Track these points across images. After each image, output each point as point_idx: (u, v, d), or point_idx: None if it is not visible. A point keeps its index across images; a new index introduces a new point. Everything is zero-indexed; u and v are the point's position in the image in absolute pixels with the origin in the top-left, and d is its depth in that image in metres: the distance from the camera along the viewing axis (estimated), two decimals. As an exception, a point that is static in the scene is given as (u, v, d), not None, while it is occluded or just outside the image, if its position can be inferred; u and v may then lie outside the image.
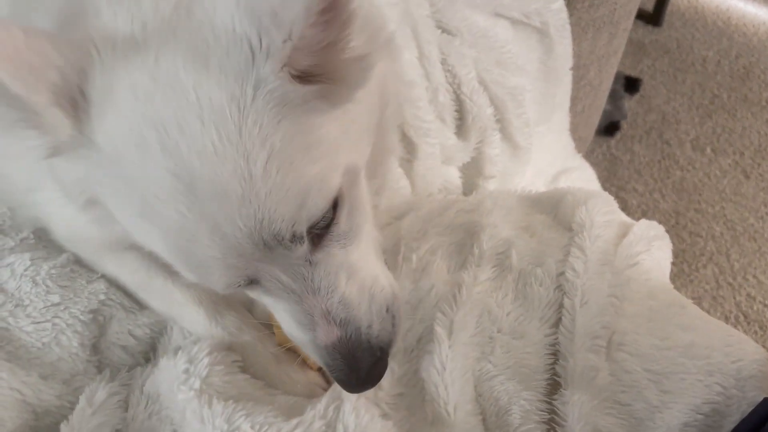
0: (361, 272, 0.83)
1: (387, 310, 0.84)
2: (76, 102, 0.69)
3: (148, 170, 0.68)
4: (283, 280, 0.77)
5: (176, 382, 0.88)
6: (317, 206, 0.72)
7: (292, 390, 0.97)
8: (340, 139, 0.75)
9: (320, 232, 0.77)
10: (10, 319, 0.94)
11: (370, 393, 0.91)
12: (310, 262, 0.77)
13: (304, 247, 0.74)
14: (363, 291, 0.82)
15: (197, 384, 0.87)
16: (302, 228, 0.72)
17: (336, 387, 0.89)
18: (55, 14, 0.76)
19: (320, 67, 0.70)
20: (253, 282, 0.77)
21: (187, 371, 0.89)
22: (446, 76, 1.30)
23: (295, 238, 0.72)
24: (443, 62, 1.30)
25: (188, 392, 0.86)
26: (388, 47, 0.91)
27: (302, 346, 0.85)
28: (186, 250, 0.72)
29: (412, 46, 1.25)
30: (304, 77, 0.70)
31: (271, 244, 0.71)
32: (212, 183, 0.66)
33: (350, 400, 0.86)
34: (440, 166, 1.33)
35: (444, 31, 1.33)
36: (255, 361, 0.98)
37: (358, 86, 0.75)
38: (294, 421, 0.85)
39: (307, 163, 0.70)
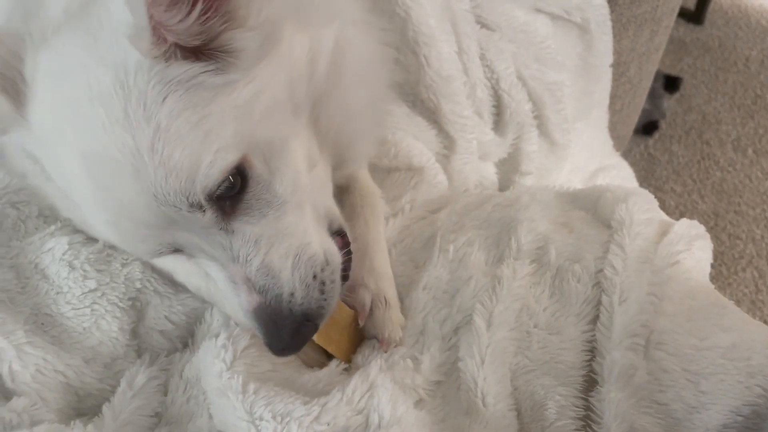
0: (288, 240, 0.83)
1: (314, 277, 0.84)
2: (17, 86, 0.75)
3: (64, 150, 0.73)
4: (204, 248, 0.80)
5: (213, 357, 0.89)
6: (210, 177, 0.73)
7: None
8: (240, 110, 0.75)
9: (231, 202, 0.78)
10: (53, 307, 0.96)
11: (408, 379, 0.91)
12: (225, 231, 0.79)
13: (209, 216, 0.76)
14: (286, 258, 0.82)
15: (230, 357, 0.88)
16: (198, 198, 0.73)
17: (367, 370, 0.88)
18: (9, 13, 0.82)
19: (206, 42, 0.72)
20: (177, 250, 0.81)
21: (225, 346, 0.89)
22: (485, 71, 1.30)
23: (193, 208, 0.73)
24: (482, 57, 1.30)
25: (221, 365, 0.87)
26: (307, 17, 0.85)
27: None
28: (104, 222, 0.77)
29: (451, 40, 1.25)
30: (191, 54, 0.72)
31: (171, 214, 0.73)
32: (107, 160, 0.70)
33: (386, 388, 0.85)
34: (477, 162, 1.33)
35: (483, 26, 1.33)
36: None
37: (260, 57, 0.76)
38: (316, 409, 0.83)
39: (197, 137, 0.72)
